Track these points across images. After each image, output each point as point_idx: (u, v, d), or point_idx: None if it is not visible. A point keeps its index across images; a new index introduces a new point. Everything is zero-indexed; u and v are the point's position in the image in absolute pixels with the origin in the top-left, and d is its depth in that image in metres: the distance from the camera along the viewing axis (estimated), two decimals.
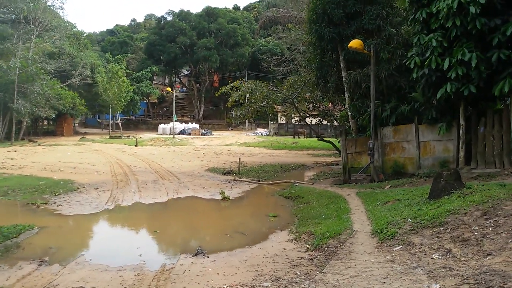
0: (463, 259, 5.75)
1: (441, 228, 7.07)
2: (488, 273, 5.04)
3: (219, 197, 15.60)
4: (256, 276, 7.12)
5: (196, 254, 8.79)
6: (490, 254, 5.62)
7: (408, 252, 6.66)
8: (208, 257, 8.65)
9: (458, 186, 8.99)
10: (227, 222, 12.46)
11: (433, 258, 6.04)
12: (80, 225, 12.00)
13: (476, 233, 6.41)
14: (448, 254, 6.04)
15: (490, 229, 6.40)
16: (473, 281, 4.92)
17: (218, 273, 7.43)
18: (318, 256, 8.02)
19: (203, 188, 17.71)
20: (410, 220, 8.14)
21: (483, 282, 4.82)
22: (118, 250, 9.59)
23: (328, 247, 8.40)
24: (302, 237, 9.72)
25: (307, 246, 9.00)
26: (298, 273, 6.96)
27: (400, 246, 7.08)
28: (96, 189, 17.06)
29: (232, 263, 8.12)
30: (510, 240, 5.81)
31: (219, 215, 13.59)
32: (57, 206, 13.95)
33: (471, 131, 15.36)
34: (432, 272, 5.50)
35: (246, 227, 11.50)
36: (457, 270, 5.41)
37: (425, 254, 6.32)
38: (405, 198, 10.82)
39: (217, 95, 28.54)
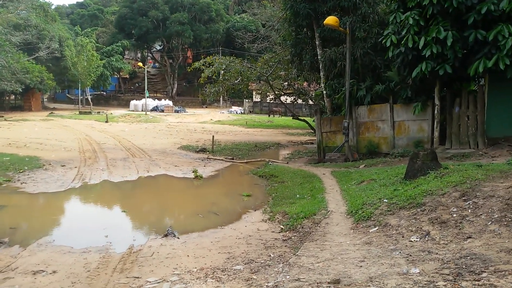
0: (442, 242, 5.57)
1: (419, 209, 6.90)
2: (468, 257, 4.87)
3: (192, 175, 15.20)
4: (228, 258, 6.82)
5: (166, 235, 8.43)
6: (470, 237, 5.46)
7: (385, 234, 6.46)
8: (178, 238, 8.31)
9: (434, 166, 8.84)
10: (199, 202, 12.11)
11: (411, 241, 5.85)
12: (44, 204, 11.46)
13: (455, 215, 6.25)
14: (427, 236, 5.86)
15: (469, 211, 6.24)
16: (453, 265, 4.73)
17: (188, 255, 7.10)
18: (293, 237, 7.78)
19: (175, 166, 17.25)
20: (386, 200, 7.96)
21: (464, 266, 4.63)
22: (84, 231, 9.12)
23: (302, 227, 8.16)
24: (276, 217, 9.47)
25: (281, 226, 8.76)
26: (272, 255, 6.70)
27: (377, 228, 6.88)
28: (62, 166, 16.40)
29: (203, 245, 7.80)
30: (489, 223, 5.66)
31: (191, 194, 13.22)
32: (21, 183, 13.31)
33: (445, 112, 15.34)
34: (410, 255, 5.30)
35: (219, 207, 11.18)
36: (437, 253, 5.22)
37: (402, 237, 6.13)
38: (380, 178, 10.67)
39: (189, 70, 27.77)
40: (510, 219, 5.57)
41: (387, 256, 5.39)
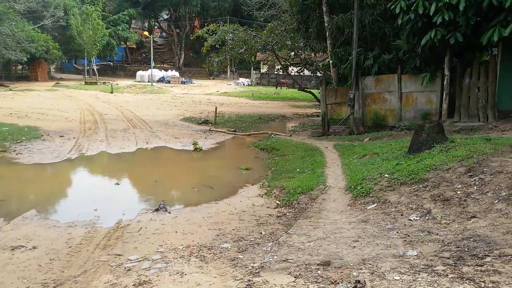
0: (444, 221, 5.15)
1: (421, 186, 6.47)
2: (471, 239, 4.46)
3: (191, 148, 14.83)
4: (217, 235, 6.48)
5: (157, 210, 8.12)
6: (474, 217, 5.04)
7: (383, 212, 6.05)
8: (169, 213, 7.98)
9: (440, 140, 8.36)
10: (196, 175, 11.76)
11: (411, 220, 5.44)
12: (37, 176, 11.17)
13: (459, 192, 5.81)
14: (428, 215, 5.44)
15: (475, 187, 5.80)
16: (454, 247, 4.33)
17: (176, 231, 6.77)
18: (287, 214, 7.41)
19: (176, 138, 16.88)
20: (387, 175, 7.53)
21: (466, 249, 4.23)
22: (73, 204, 8.84)
23: (298, 203, 7.79)
24: (273, 192, 9.11)
25: (277, 202, 8.40)
26: (263, 233, 6.34)
27: (375, 204, 6.47)
28: (61, 136, 16.11)
29: (194, 220, 7.46)
30: (496, 201, 5.22)
31: (189, 167, 12.86)
32: (16, 154, 13.03)
33: (455, 83, 14.71)
34: (408, 235, 4.90)
35: (215, 181, 10.82)
36: (437, 234, 4.82)
37: (401, 215, 5.72)
38: (383, 152, 10.21)
39: (191, 38, 26.96)
40: None
41: (383, 236, 5.00)
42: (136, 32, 78.16)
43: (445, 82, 14.56)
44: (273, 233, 6.29)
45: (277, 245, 5.21)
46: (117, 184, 10.18)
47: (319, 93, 22.66)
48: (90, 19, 52.54)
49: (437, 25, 12.89)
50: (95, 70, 58.63)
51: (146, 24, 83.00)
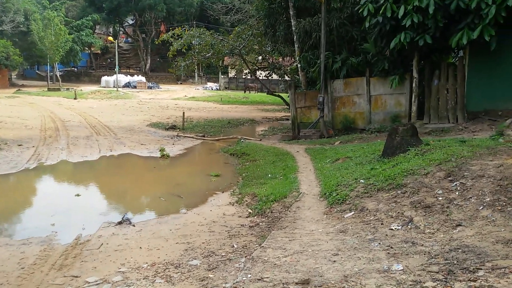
0: (428, 230, 4.85)
1: (399, 191, 6.18)
2: (460, 250, 4.16)
3: (158, 154, 14.24)
4: (185, 250, 6.00)
5: (120, 223, 7.55)
6: (459, 225, 4.75)
7: (361, 220, 5.72)
8: (134, 226, 7.43)
9: (415, 143, 8.14)
10: (163, 183, 11.21)
11: (392, 229, 5.12)
12: None
13: (440, 198, 5.54)
14: (410, 224, 5.13)
15: (457, 193, 5.54)
16: (442, 260, 4.01)
17: (141, 247, 6.24)
18: (260, 223, 7.00)
19: (142, 144, 16.23)
20: (362, 181, 7.22)
21: (456, 262, 3.92)
22: (29, 219, 8.18)
23: (272, 212, 7.39)
24: (245, 200, 8.67)
25: (249, 210, 7.97)
26: (235, 246, 5.91)
27: (352, 212, 6.14)
28: (19, 145, 15.20)
29: (161, 233, 6.95)
30: (481, 207, 4.96)
31: (155, 175, 12.26)
32: None
33: (423, 85, 14.71)
34: (391, 247, 4.56)
35: (184, 189, 10.31)
36: (422, 245, 4.50)
37: (381, 224, 5.39)
38: (356, 156, 9.95)
39: (156, 43, 26.37)
40: (504, 203, 4.88)
41: (365, 248, 4.65)
42: (100, 38, 76.42)
43: (414, 84, 14.54)
44: (246, 246, 5.87)
45: (251, 261, 4.78)
46: (78, 195, 9.50)
47: (288, 96, 22.44)
48: (52, 25, 50.92)
49: (406, 28, 12.82)
50: (58, 76, 56.91)
51: (111, 30, 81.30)
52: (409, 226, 5.07)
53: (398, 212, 5.55)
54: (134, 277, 4.93)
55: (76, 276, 5.20)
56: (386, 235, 4.96)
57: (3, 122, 20.82)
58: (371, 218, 5.68)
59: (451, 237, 4.57)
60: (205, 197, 9.47)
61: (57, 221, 7.78)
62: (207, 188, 10.30)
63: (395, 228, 5.10)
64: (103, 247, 6.33)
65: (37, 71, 73.82)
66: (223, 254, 5.58)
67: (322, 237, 5.33)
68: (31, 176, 11.56)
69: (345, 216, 6.08)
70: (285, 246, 5.13)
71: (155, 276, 4.87)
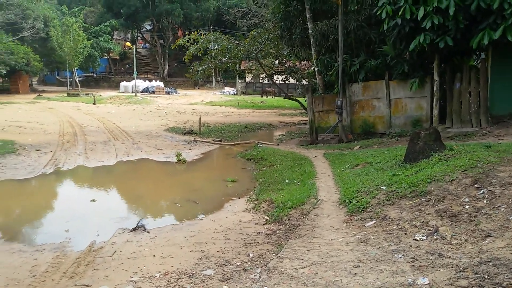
0: (455, 241, 4.57)
1: (423, 199, 5.89)
2: (491, 263, 3.87)
3: (175, 159, 14.15)
4: (200, 258, 5.82)
5: (134, 229, 7.42)
6: (489, 236, 4.46)
7: (383, 230, 5.45)
8: (148, 232, 7.29)
9: (438, 148, 7.83)
10: (179, 189, 11.08)
11: (416, 240, 4.85)
12: (7, 193, 10.36)
13: (467, 207, 5.24)
14: (435, 234, 4.85)
15: (485, 201, 5.24)
16: (472, 274, 3.74)
17: (154, 255, 6.09)
18: (277, 231, 6.78)
19: (158, 149, 16.16)
20: (384, 187, 6.94)
21: (486, 276, 3.64)
22: (43, 225, 8.13)
23: (289, 219, 7.16)
24: (262, 206, 8.47)
25: (266, 217, 7.76)
26: (251, 255, 5.71)
27: (374, 221, 5.87)
28: (37, 150, 15.28)
29: (175, 241, 6.79)
30: (511, 217, 4.66)
31: (171, 180, 12.14)
32: None
33: (445, 88, 14.33)
34: (416, 259, 4.29)
35: (199, 195, 10.16)
36: (449, 257, 4.22)
37: (405, 233, 5.12)
38: (376, 161, 9.65)
39: (172, 47, 26.35)
40: None
41: (388, 260, 4.39)
42: (119, 43, 77.21)
43: (435, 88, 14.16)
44: (262, 255, 5.66)
45: (267, 272, 4.56)
46: (93, 201, 9.43)
47: (305, 101, 22.18)
48: (70, 31, 51.59)
49: (426, 30, 12.48)
50: (78, 81, 57.59)
51: (129, 35, 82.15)
52: (434, 237, 4.80)
53: (423, 221, 5.27)
54: (145, 287, 4.77)
55: (87, 286, 5.07)
56: (410, 246, 4.69)
57: (22, 128, 21.07)
58: (394, 227, 5.41)
59: (480, 248, 4.28)
60: (221, 203, 9.30)
61: (71, 227, 7.70)
62: (223, 194, 10.12)
63: (420, 239, 4.83)
64: (116, 254, 6.19)
65: (57, 77, 74.98)
66: (238, 263, 5.39)
67: (342, 247, 5.09)
68: (48, 181, 11.55)
69: (366, 225, 5.81)
70: (302, 256, 4.90)
71: (167, 287, 4.70)
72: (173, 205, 9.47)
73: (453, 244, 4.52)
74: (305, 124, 24.55)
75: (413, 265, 4.18)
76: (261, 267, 4.94)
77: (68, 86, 57.92)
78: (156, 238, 6.97)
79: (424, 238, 4.83)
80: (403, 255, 4.47)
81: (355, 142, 15.24)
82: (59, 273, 5.59)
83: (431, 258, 4.29)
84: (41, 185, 11.29)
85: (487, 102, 13.23)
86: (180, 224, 7.82)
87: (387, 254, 4.57)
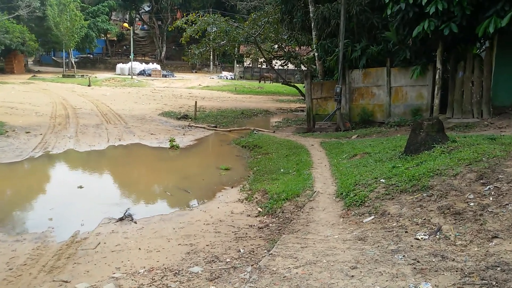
0: (459, 242, 4.25)
1: (425, 194, 5.56)
2: (498, 268, 3.56)
3: (168, 145, 13.78)
4: (188, 253, 5.50)
5: (121, 219, 7.10)
6: (496, 237, 4.14)
7: (383, 227, 5.13)
8: (135, 222, 6.96)
9: (441, 139, 7.49)
10: (170, 176, 10.74)
11: (418, 239, 4.53)
12: None
13: (472, 204, 4.92)
14: (438, 233, 4.53)
15: (491, 198, 4.91)
16: (478, 280, 3.43)
17: (140, 249, 5.77)
18: (270, 225, 6.46)
19: (152, 134, 15.78)
20: (383, 180, 6.61)
21: (494, 282, 3.33)
22: (26, 212, 7.77)
23: (283, 212, 6.84)
24: (255, 197, 8.14)
25: (259, 209, 7.44)
26: (242, 251, 5.39)
27: (372, 217, 5.55)
28: (27, 133, 14.86)
29: (163, 232, 6.46)
30: None
31: (163, 167, 11.79)
32: None
33: (447, 77, 13.95)
34: (418, 261, 3.98)
35: (191, 183, 9.83)
36: (453, 260, 3.91)
37: (406, 231, 4.80)
38: (375, 152, 9.32)
39: (170, 29, 25.77)
40: None
41: (387, 261, 4.07)
42: (116, 24, 76.17)
43: (437, 76, 13.77)
44: (253, 251, 5.34)
45: (258, 272, 4.24)
46: (80, 187, 9.07)
47: (303, 87, 21.74)
48: (67, 10, 50.66)
49: (430, 16, 12.05)
50: (73, 62, 56.81)
51: (127, 16, 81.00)
52: (437, 236, 4.48)
53: (424, 219, 4.95)
54: (127, 285, 4.45)
55: (66, 281, 4.75)
56: (412, 245, 4.37)
57: (14, 109, 20.59)
58: (394, 224, 5.09)
59: (487, 251, 3.97)
60: (213, 192, 8.97)
61: (55, 215, 7.37)
62: (216, 183, 9.79)
63: (422, 238, 4.51)
64: (100, 246, 5.87)
65: (53, 57, 73.98)
66: (227, 260, 5.07)
67: (338, 245, 4.77)
68: (35, 166, 11.17)
69: (364, 221, 5.49)
70: (296, 254, 4.58)
71: (150, 286, 4.38)
72: (163, 193, 9.15)
73: (457, 245, 4.20)
74: (303, 111, 24.17)
75: (414, 268, 3.87)
76: (252, 266, 4.63)
77: (64, 67, 57.13)
78: (143, 229, 6.64)
79: (426, 237, 4.51)
80: (403, 256, 4.15)
81: (353, 131, 14.90)
82: (37, 267, 5.26)
83: (433, 260, 3.98)
84: (28, 169, 10.93)
85: (489, 92, 12.87)
86: (170, 214, 7.49)
87: (387, 254, 4.26)
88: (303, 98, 26.13)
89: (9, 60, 55.01)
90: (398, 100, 15.16)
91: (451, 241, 4.31)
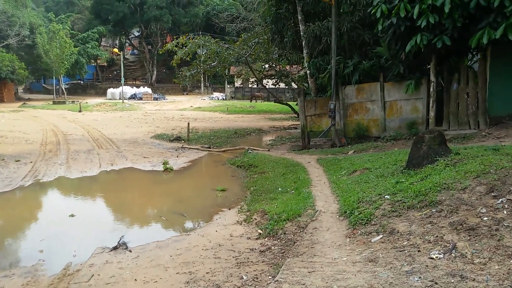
0: (478, 260, 3.98)
1: (434, 210, 5.31)
2: None
3: (161, 168, 13.48)
4: (187, 283, 5.18)
5: (115, 248, 6.76)
6: None
7: (393, 246, 4.85)
8: (130, 251, 6.63)
9: (443, 152, 7.27)
10: (165, 200, 10.41)
11: (432, 258, 4.25)
12: None
13: (485, 219, 4.67)
14: (453, 251, 4.26)
15: (505, 212, 4.67)
16: None
17: (136, 280, 5.43)
18: (272, 247, 6.15)
19: (144, 157, 15.46)
20: (387, 197, 6.36)
21: None
22: (15, 244, 7.41)
23: (285, 233, 6.54)
24: (254, 218, 7.84)
25: (259, 231, 7.13)
26: (245, 278, 5.08)
27: (381, 236, 5.27)
28: (17, 161, 14.49)
29: (159, 261, 6.13)
30: None
31: (157, 190, 11.45)
32: None
33: (442, 89, 13.86)
34: (436, 283, 3.70)
35: (187, 206, 9.51)
36: (474, 279, 3.64)
37: (418, 251, 4.52)
38: (375, 167, 9.08)
39: (160, 52, 25.72)
40: None
41: (403, 285, 3.79)
42: (106, 50, 76.35)
43: (431, 89, 13.69)
44: (257, 277, 5.03)
45: None
46: (72, 215, 8.70)
47: (296, 104, 21.60)
48: (57, 37, 50.69)
49: (422, 29, 12.00)
50: (64, 89, 56.61)
51: (117, 42, 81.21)
52: (452, 254, 4.21)
53: (437, 236, 4.68)
54: None
55: None
56: (427, 266, 4.09)
57: (3, 137, 20.22)
58: (405, 243, 4.81)
59: (509, 269, 3.71)
60: (210, 215, 8.66)
61: (46, 246, 7.02)
62: (213, 205, 9.48)
63: (436, 257, 4.23)
64: (94, 279, 5.53)
65: (43, 84, 73.81)
66: None
67: (348, 268, 4.48)
68: (25, 195, 10.79)
69: (372, 240, 5.21)
70: (304, 280, 4.28)
71: None
72: (158, 218, 8.81)
73: (476, 264, 3.94)
74: (296, 128, 24.01)
75: None
76: None
77: (55, 93, 56.85)
78: (138, 258, 6.30)
79: (441, 256, 4.24)
80: (419, 277, 3.87)
81: (349, 146, 14.71)
82: None
83: (452, 281, 3.70)
84: (17, 199, 10.54)
85: (485, 103, 12.78)
86: (166, 240, 7.15)
87: (401, 276, 3.98)
88: (295, 115, 26.05)
89: None
90: (393, 114, 15.03)
91: (469, 259, 4.04)
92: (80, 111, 37.59)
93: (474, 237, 4.40)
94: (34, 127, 25.05)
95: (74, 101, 49.61)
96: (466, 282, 3.64)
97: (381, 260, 4.49)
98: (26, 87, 74.91)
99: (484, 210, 4.85)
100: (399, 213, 5.65)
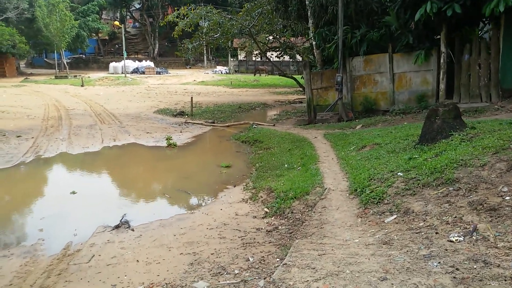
0: (501, 244, 3.71)
1: (451, 188, 5.02)
2: None
3: (165, 143, 13.21)
4: (191, 264, 4.96)
5: (117, 227, 6.55)
6: None
7: (408, 227, 4.59)
8: (133, 230, 6.42)
9: (458, 126, 6.95)
10: (169, 177, 10.19)
11: (452, 241, 3.98)
12: None
13: (508, 198, 4.38)
14: (474, 233, 3.99)
15: None
16: None
17: (138, 261, 5.22)
18: (280, 227, 5.92)
19: (147, 133, 15.19)
20: (401, 174, 6.07)
21: None
22: (15, 223, 7.23)
23: (292, 212, 6.29)
24: (260, 196, 7.60)
25: (266, 209, 6.90)
26: (251, 260, 4.85)
27: (394, 216, 5.00)
28: (18, 137, 14.26)
29: (163, 240, 5.92)
30: None
31: (160, 166, 11.22)
32: None
33: (452, 61, 13.40)
34: (457, 269, 3.43)
35: (191, 183, 9.27)
36: (499, 265, 3.37)
37: (436, 233, 4.25)
38: (386, 142, 8.77)
39: (161, 24, 25.14)
40: None
41: (421, 270, 3.53)
42: (107, 23, 75.28)
43: (442, 60, 13.26)
44: (263, 259, 4.80)
45: (272, 286, 3.70)
46: (73, 192, 8.49)
47: (301, 78, 21.10)
48: (57, 10, 49.80)
49: None
50: (65, 63, 56.02)
51: (118, 14, 79.97)
52: (474, 237, 3.94)
53: (455, 217, 4.41)
54: None
55: None
56: (446, 249, 3.83)
57: (5, 112, 19.94)
58: (421, 224, 4.54)
59: None
60: (214, 192, 8.43)
61: (46, 225, 6.81)
62: (217, 182, 9.23)
63: (456, 240, 3.96)
64: (94, 260, 5.33)
65: (45, 59, 73.13)
66: (236, 272, 4.52)
67: (360, 250, 4.22)
68: (26, 171, 10.59)
69: (385, 221, 4.95)
70: (314, 263, 4.03)
71: None
72: (162, 195, 8.60)
73: (500, 248, 3.67)
74: (301, 102, 23.59)
75: (454, 277, 3.33)
76: (264, 279, 4.07)
77: (56, 68, 56.32)
78: (141, 237, 6.09)
79: (461, 239, 3.97)
80: (439, 262, 3.61)
81: (357, 120, 14.36)
82: (24, 287, 4.71)
83: (475, 267, 3.43)
84: (18, 175, 10.33)
85: (498, 75, 12.36)
86: (170, 218, 6.93)
87: (419, 261, 3.72)
88: (300, 89, 25.59)
89: (0, 64, 54.20)
90: (402, 86, 14.61)
91: (491, 242, 3.77)
92: (82, 85, 37.20)
93: (496, 218, 4.13)
94: (36, 102, 24.75)
95: (76, 76, 49.12)
96: (490, 268, 3.38)
97: (396, 243, 4.23)
98: (28, 62, 74.28)
99: (505, 189, 4.56)
100: (414, 191, 5.37)
